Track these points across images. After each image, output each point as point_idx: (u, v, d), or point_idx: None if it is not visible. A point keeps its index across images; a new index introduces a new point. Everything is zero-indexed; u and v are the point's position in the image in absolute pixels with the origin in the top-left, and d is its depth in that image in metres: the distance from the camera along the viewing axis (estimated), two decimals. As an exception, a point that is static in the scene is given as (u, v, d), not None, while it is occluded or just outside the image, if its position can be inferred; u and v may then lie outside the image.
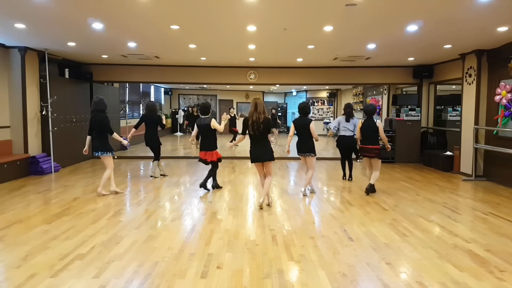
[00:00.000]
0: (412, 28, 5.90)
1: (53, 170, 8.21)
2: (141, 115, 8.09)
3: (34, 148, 8.24)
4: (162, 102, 20.01)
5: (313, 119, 6.57)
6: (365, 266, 3.48)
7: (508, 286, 3.12)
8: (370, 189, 6.28)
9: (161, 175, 7.88)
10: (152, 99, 18.27)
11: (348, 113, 7.41)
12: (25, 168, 7.84)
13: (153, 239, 4.15)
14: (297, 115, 6.38)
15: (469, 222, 4.96)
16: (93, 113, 6.13)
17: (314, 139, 6.07)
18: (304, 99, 20.49)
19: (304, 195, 6.24)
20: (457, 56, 8.43)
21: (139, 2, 4.74)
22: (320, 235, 4.35)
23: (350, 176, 7.64)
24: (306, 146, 6.13)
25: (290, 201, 5.90)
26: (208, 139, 6.30)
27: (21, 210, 5.29)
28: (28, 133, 8.04)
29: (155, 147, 7.68)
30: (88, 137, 6.21)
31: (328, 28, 6.00)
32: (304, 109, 6.14)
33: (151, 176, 7.76)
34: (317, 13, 5.19)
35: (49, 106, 8.24)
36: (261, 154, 5.38)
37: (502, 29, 5.96)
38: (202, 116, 6.34)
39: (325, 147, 13.77)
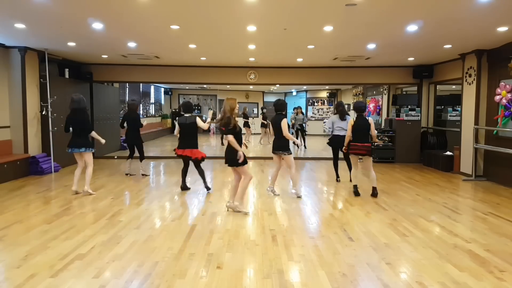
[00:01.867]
0: (412, 28, 5.90)
1: (53, 170, 8.20)
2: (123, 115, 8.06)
3: (34, 148, 8.23)
4: (162, 102, 20.01)
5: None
6: (365, 266, 3.48)
7: (508, 286, 3.12)
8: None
9: (137, 174, 8.07)
10: (152, 99, 18.29)
11: (342, 112, 7.18)
12: (25, 168, 7.84)
13: (153, 239, 4.15)
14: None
15: (469, 222, 4.96)
16: (76, 111, 6.15)
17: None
18: (304, 99, 20.54)
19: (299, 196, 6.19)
20: (457, 56, 8.42)
21: (139, 2, 4.74)
22: (320, 235, 4.35)
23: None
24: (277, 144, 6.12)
25: (290, 201, 5.91)
26: (192, 137, 6.36)
27: (21, 210, 5.29)
28: (28, 133, 8.04)
29: (139, 145, 7.89)
30: None
31: (328, 28, 6.00)
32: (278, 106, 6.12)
33: (128, 174, 8.03)
34: (317, 13, 5.20)
35: (49, 106, 8.23)
36: None
37: (502, 29, 5.96)
38: (186, 115, 6.35)
39: (325, 147, 13.74)
